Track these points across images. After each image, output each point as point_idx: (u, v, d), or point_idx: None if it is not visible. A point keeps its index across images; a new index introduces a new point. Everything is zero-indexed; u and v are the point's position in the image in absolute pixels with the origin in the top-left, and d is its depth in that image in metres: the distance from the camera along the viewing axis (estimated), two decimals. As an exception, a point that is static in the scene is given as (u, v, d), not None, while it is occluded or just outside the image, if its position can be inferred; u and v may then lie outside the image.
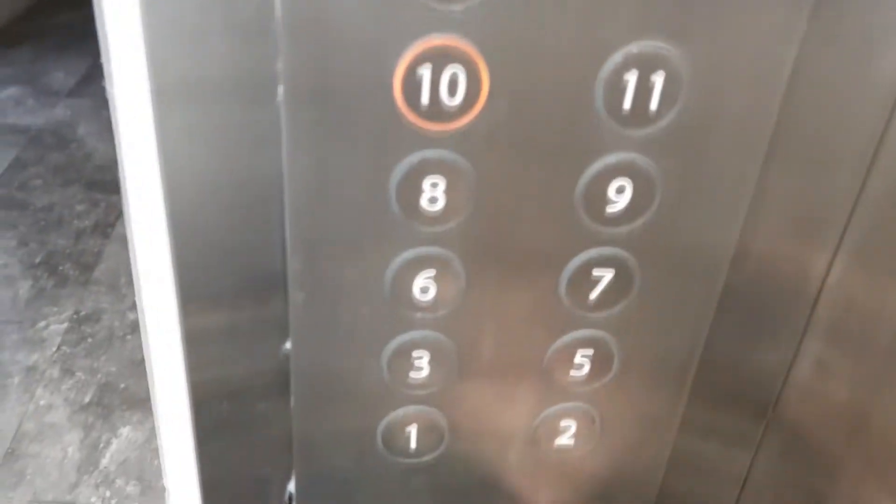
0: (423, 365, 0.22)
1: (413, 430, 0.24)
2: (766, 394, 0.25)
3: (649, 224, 0.21)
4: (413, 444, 0.24)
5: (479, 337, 0.22)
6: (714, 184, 0.20)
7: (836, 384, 0.24)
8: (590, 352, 0.23)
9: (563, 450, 0.25)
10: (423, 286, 0.21)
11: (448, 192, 0.19)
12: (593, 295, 0.22)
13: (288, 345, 0.22)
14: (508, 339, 0.22)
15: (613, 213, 0.20)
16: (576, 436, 0.25)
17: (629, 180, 0.20)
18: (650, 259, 0.22)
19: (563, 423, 0.24)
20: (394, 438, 0.24)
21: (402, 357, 0.22)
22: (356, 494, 0.25)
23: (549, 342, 0.23)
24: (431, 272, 0.21)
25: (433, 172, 0.19)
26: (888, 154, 0.20)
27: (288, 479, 0.24)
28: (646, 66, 0.18)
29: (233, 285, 0.20)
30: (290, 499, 0.25)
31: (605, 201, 0.20)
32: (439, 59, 0.17)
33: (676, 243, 0.21)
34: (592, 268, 0.21)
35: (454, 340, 0.22)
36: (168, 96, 0.18)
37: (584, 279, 0.21)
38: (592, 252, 0.21)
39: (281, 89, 0.18)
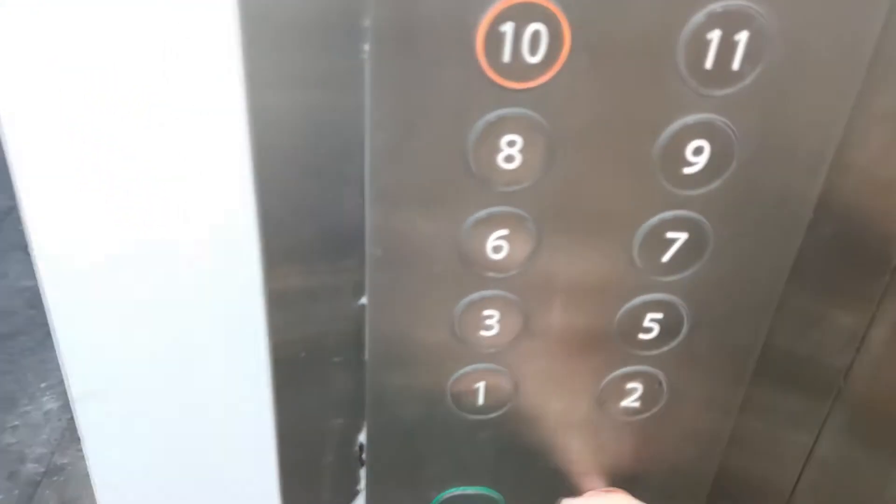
0: (493, 324, 0.23)
1: (481, 387, 0.24)
2: (837, 364, 0.25)
3: (725, 187, 0.21)
4: (480, 401, 0.24)
5: (549, 298, 0.23)
6: (793, 148, 0.20)
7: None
8: (659, 315, 0.23)
9: (628, 412, 0.25)
10: (496, 245, 0.21)
11: (525, 150, 0.20)
12: (665, 258, 0.22)
13: (363, 300, 0.22)
14: (578, 300, 0.23)
15: (690, 174, 0.20)
16: (641, 399, 0.25)
17: (707, 141, 0.20)
18: (724, 223, 0.21)
19: (630, 385, 0.24)
20: (462, 394, 0.24)
21: (473, 315, 0.23)
22: (423, 446, 0.25)
23: (619, 305, 0.23)
24: (504, 231, 0.21)
25: (511, 131, 0.19)
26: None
27: (359, 430, 0.25)
28: (729, 26, 0.18)
29: (313, 243, 0.21)
30: (361, 449, 0.26)
31: (683, 162, 0.20)
32: (522, 15, 0.18)
33: (752, 208, 0.21)
34: (666, 230, 0.21)
35: (525, 300, 0.22)
36: (257, 44, 0.18)
37: (657, 241, 0.21)
38: (667, 214, 0.21)
39: (367, 46, 0.18)
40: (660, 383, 0.24)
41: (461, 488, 0.27)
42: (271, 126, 0.19)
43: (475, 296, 0.22)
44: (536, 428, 0.25)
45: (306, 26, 0.18)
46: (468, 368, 0.24)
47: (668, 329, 0.23)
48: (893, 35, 0.19)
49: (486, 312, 0.23)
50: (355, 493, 0.27)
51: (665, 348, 0.24)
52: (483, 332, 0.23)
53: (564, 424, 0.25)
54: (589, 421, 0.25)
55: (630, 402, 0.25)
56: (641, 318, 0.23)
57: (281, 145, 0.20)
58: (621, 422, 0.25)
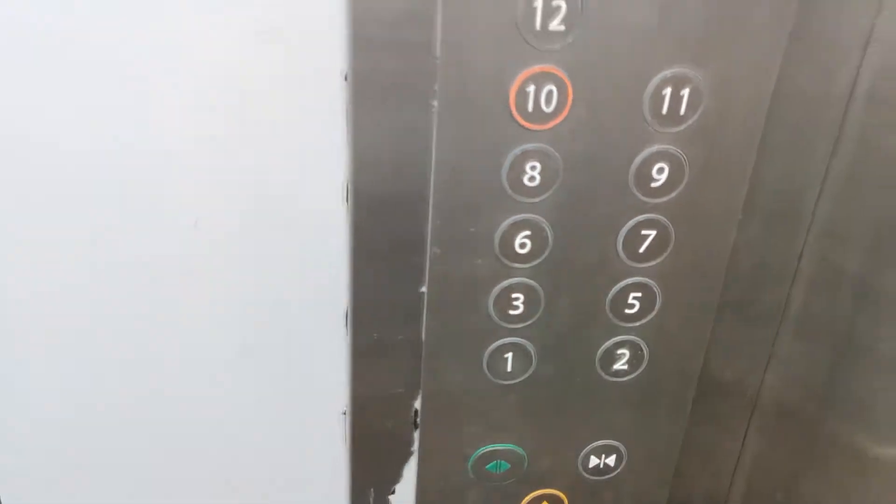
0: (519, 304, 0.31)
1: (510, 357, 0.32)
2: (754, 373, 0.33)
3: (680, 196, 0.29)
4: (509, 368, 0.32)
5: (560, 284, 0.31)
6: (725, 166, 0.29)
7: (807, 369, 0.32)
8: (639, 294, 0.31)
9: (619, 373, 0.33)
10: (521, 243, 0.29)
11: (542, 173, 0.28)
12: (641, 249, 0.30)
13: (424, 288, 0.30)
14: (579, 283, 0.31)
15: (656, 187, 0.29)
16: (628, 363, 0.33)
17: (666, 164, 0.29)
18: (681, 223, 0.30)
19: (620, 351, 0.32)
20: (495, 363, 0.32)
21: (504, 298, 0.31)
22: (464, 410, 0.33)
23: (609, 287, 0.31)
24: (528, 232, 0.29)
25: (532, 159, 0.28)
26: (846, 150, 0.29)
27: (415, 397, 0.33)
28: (677, 84, 0.27)
29: (390, 242, 0.29)
30: (416, 413, 0.33)
31: (650, 179, 0.29)
32: (540, 80, 0.26)
33: (700, 211, 0.30)
34: (641, 229, 0.30)
35: (542, 286, 0.31)
36: (361, 94, 0.27)
37: (635, 237, 0.30)
38: (641, 217, 0.30)
39: (435, 102, 0.27)
40: (641, 349, 0.33)
41: (493, 445, 0.34)
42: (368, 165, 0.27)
43: (505, 283, 0.30)
44: (552, 389, 0.33)
45: (400, 91, 0.26)
46: (500, 341, 0.32)
47: (646, 305, 0.31)
48: (781, 87, 0.28)
49: (514, 295, 0.31)
50: (410, 454, 0.34)
51: (644, 320, 0.32)
52: (511, 311, 0.31)
53: (572, 386, 0.33)
54: (590, 379, 0.33)
55: (620, 364, 0.33)
56: (626, 297, 0.31)
57: (375, 177, 0.28)
58: (613, 382, 0.33)
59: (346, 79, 0.27)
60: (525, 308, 0.31)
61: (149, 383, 0.33)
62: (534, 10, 0.25)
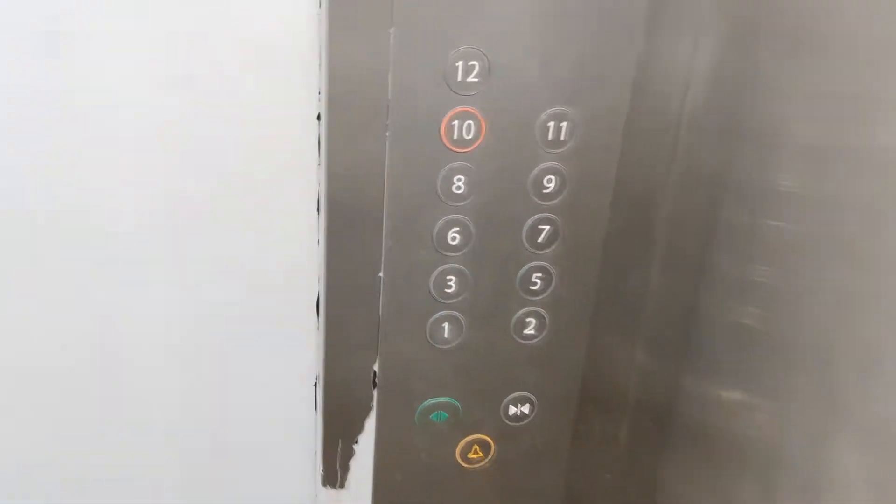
0: (452, 284, 0.41)
1: (446, 326, 0.42)
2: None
3: (564, 199, 0.40)
4: (446, 335, 0.42)
5: (482, 268, 0.41)
6: (595, 178, 0.40)
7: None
8: (540, 274, 0.42)
9: (527, 337, 0.43)
10: (452, 236, 0.40)
11: (466, 184, 0.39)
12: (539, 239, 0.41)
13: (381, 273, 0.40)
14: (495, 267, 0.41)
15: (547, 192, 0.40)
16: (535, 328, 0.43)
17: (554, 176, 0.39)
18: (567, 220, 0.41)
19: (528, 319, 0.43)
20: (435, 331, 0.42)
21: (440, 280, 0.41)
22: (412, 369, 0.43)
23: (518, 269, 0.42)
24: (457, 228, 0.40)
25: (459, 173, 0.38)
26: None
27: (374, 361, 0.42)
28: (558, 118, 0.38)
29: (353, 239, 0.39)
30: (374, 375, 0.42)
31: (543, 186, 0.40)
32: (463, 116, 0.37)
33: (579, 210, 0.41)
34: (538, 224, 0.41)
35: (469, 270, 0.41)
36: (332, 129, 0.36)
37: (534, 230, 0.41)
38: (538, 215, 0.40)
39: (388, 133, 0.37)
40: (544, 318, 0.43)
41: (435, 398, 0.44)
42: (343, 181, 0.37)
43: (441, 268, 0.40)
44: (479, 353, 0.43)
45: (361, 125, 0.36)
46: (438, 314, 0.41)
47: (545, 283, 0.42)
48: (630, 116, 0.39)
49: (448, 277, 0.41)
50: (370, 409, 0.43)
51: (545, 294, 0.42)
52: (447, 290, 0.41)
53: (493, 349, 0.43)
54: (507, 343, 0.43)
55: (529, 330, 0.43)
56: (531, 277, 0.42)
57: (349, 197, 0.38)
58: (525, 345, 0.44)
59: (318, 118, 0.37)
60: (457, 287, 0.41)
61: (125, 370, 0.41)
62: (456, 68, 0.36)
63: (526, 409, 0.46)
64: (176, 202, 0.38)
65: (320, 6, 0.35)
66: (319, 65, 0.36)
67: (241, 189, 0.38)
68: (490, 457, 0.47)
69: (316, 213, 0.39)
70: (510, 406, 0.45)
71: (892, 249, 0.36)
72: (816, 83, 0.36)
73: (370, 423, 0.44)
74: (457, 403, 0.44)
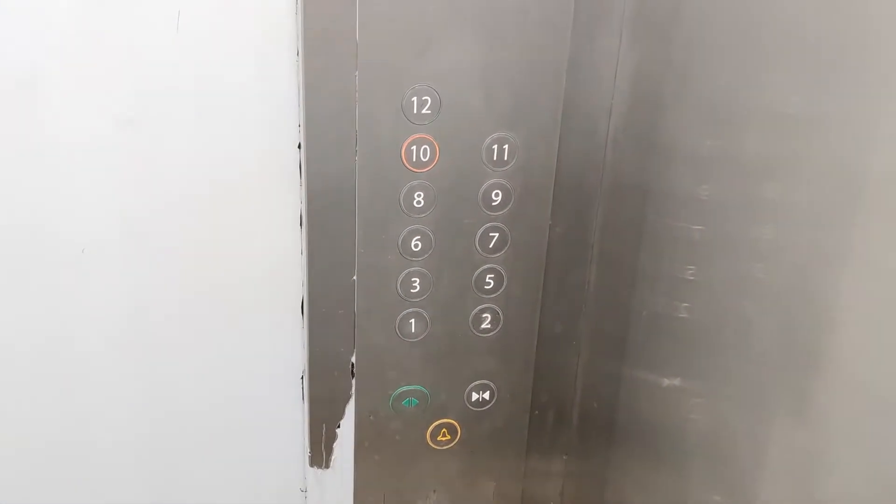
0: (417, 285, 0.48)
1: (413, 322, 0.49)
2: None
3: (510, 210, 0.47)
4: (413, 330, 0.49)
5: (442, 271, 0.48)
6: (535, 191, 0.47)
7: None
8: (493, 275, 0.49)
9: (485, 331, 0.50)
10: (415, 244, 0.47)
11: (425, 198, 0.46)
12: (490, 245, 0.48)
13: (355, 277, 0.47)
14: (453, 270, 0.48)
15: (495, 205, 0.47)
16: (490, 323, 0.50)
17: (500, 190, 0.47)
18: (514, 228, 0.48)
19: (484, 315, 0.50)
20: (403, 326, 0.49)
21: (406, 281, 0.47)
22: (385, 362, 0.49)
23: (473, 272, 0.48)
24: (418, 237, 0.47)
25: (418, 190, 0.45)
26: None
27: (352, 354, 0.49)
28: (501, 141, 0.45)
29: (331, 247, 0.46)
30: (352, 366, 0.49)
31: (491, 199, 0.47)
32: (420, 142, 0.44)
33: (524, 219, 0.48)
34: (489, 232, 0.48)
35: (431, 273, 0.48)
36: (311, 156, 0.44)
37: (485, 238, 0.48)
38: (488, 224, 0.47)
39: (357, 157, 0.44)
40: (498, 313, 0.50)
41: (406, 386, 0.51)
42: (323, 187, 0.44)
43: (405, 272, 0.47)
44: (442, 345, 0.50)
45: (334, 151, 0.44)
46: (405, 312, 0.48)
47: (497, 283, 0.49)
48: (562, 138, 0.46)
49: (413, 279, 0.48)
50: (349, 396, 0.50)
51: (498, 293, 0.49)
52: (412, 290, 0.48)
53: (454, 340, 0.50)
54: (467, 337, 0.50)
55: (485, 325, 0.50)
56: (485, 277, 0.49)
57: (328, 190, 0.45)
58: (483, 338, 0.50)
59: (299, 147, 0.44)
60: (420, 287, 0.48)
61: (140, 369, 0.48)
62: (412, 102, 0.43)
63: (487, 395, 0.52)
64: (174, 214, 0.45)
65: (298, 54, 0.42)
66: (298, 103, 0.43)
67: (233, 207, 0.45)
68: (457, 439, 0.53)
69: (299, 227, 0.46)
70: (473, 393, 0.52)
71: (799, 246, 0.43)
72: (720, 101, 0.43)
73: (350, 409, 0.50)
74: (425, 391, 0.51)
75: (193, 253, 0.46)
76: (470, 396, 0.52)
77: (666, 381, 0.51)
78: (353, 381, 0.50)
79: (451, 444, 0.53)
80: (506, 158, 0.46)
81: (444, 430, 0.53)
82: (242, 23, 0.42)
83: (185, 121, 0.43)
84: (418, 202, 0.46)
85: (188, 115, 0.43)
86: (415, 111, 0.44)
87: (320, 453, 0.51)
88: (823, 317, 0.43)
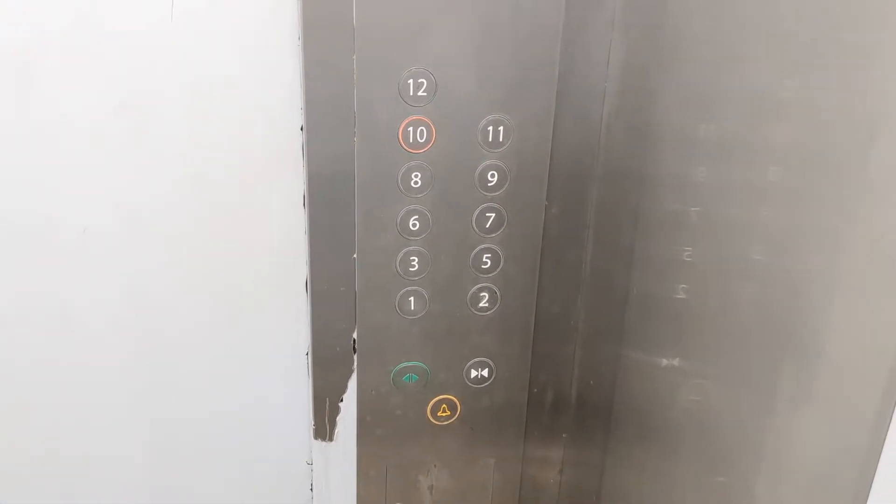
0: (415, 264, 0.49)
1: (412, 300, 0.50)
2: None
3: (506, 191, 0.49)
4: (412, 308, 0.50)
5: (439, 250, 0.49)
6: (530, 172, 0.49)
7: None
8: (489, 255, 0.50)
9: (483, 309, 0.51)
10: (413, 223, 0.48)
11: (422, 179, 0.47)
12: (487, 225, 0.49)
13: (355, 255, 0.48)
14: (451, 249, 0.50)
15: (491, 185, 0.48)
16: (488, 302, 0.51)
17: (496, 171, 0.48)
18: (510, 209, 0.49)
19: (482, 294, 0.51)
20: (403, 304, 0.50)
21: (405, 260, 0.49)
22: (385, 337, 0.51)
23: (470, 251, 0.50)
24: (416, 217, 0.48)
25: (415, 171, 0.47)
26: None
27: (353, 330, 0.50)
28: (497, 123, 0.47)
29: (332, 228, 0.47)
30: (354, 342, 0.51)
31: (487, 180, 0.48)
32: (416, 124, 0.46)
33: (520, 200, 0.49)
34: (486, 212, 0.49)
35: (429, 251, 0.49)
36: (312, 138, 0.45)
37: (482, 218, 0.49)
38: (484, 205, 0.49)
39: (356, 139, 0.45)
40: (496, 292, 0.51)
41: (406, 362, 0.52)
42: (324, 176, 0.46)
43: (405, 250, 0.49)
44: (440, 325, 0.51)
45: (334, 134, 0.45)
46: (404, 290, 0.50)
47: (494, 262, 0.50)
48: (557, 121, 0.48)
49: (411, 258, 0.49)
50: (351, 371, 0.52)
51: (495, 273, 0.51)
52: (411, 269, 0.49)
53: (451, 317, 0.51)
54: (465, 315, 0.51)
55: (483, 304, 0.51)
56: (482, 257, 0.50)
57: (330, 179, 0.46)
58: (481, 316, 0.52)
59: (301, 129, 0.46)
60: (419, 266, 0.50)
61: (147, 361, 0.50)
62: (408, 85, 0.45)
63: (486, 372, 0.54)
64: (179, 196, 0.47)
65: (299, 38, 0.44)
66: (301, 86, 0.45)
67: (239, 188, 0.47)
68: (457, 415, 0.55)
69: (303, 207, 0.48)
70: (472, 370, 0.54)
71: (796, 228, 0.44)
72: (715, 86, 0.44)
73: (352, 384, 0.52)
74: (425, 367, 0.53)
75: (200, 234, 0.48)
76: (469, 373, 0.54)
77: (664, 362, 0.52)
78: (355, 357, 0.51)
79: (452, 420, 0.55)
80: (501, 140, 0.47)
81: (444, 405, 0.54)
82: (245, 8, 0.43)
83: (189, 104, 0.45)
84: (416, 182, 0.47)
85: (192, 99, 0.45)
86: (411, 93, 0.45)
87: (324, 426, 0.53)
88: (821, 298, 0.44)
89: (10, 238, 0.46)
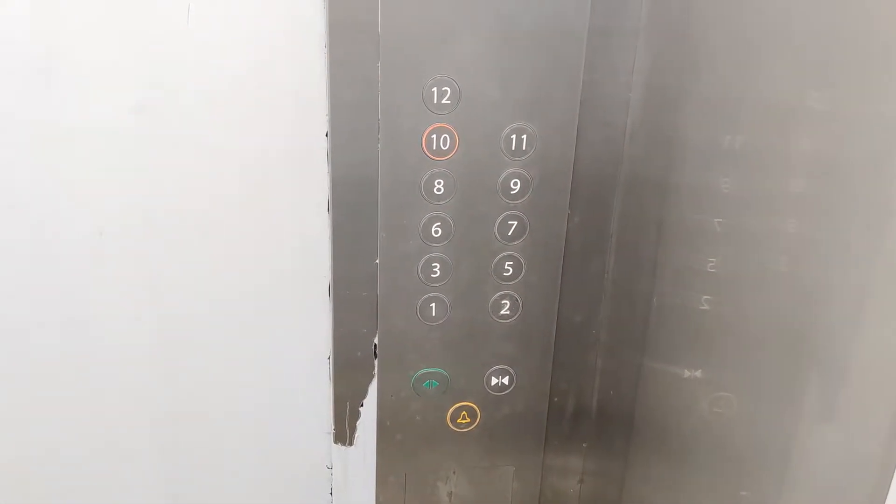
0: (437, 270, 0.49)
1: (433, 306, 0.50)
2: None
3: (529, 199, 0.49)
4: (434, 314, 0.51)
5: (461, 257, 0.49)
6: (552, 180, 0.49)
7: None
8: (511, 263, 0.50)
9: (504, 317, 0.52)
10: (435, 230, 0.48)
11: (444, 186, 0.47)
12: (509, 233, 0.49)
13: (377, 260, 0.49)
14: (473, 256, 0.50)
15: (513, 194, 0.48)
16: (510, 310, 0.51)
17: (518, 179, 0.48)
18: (532, 217, 0.49)
19: (503, 301, 0.51)
20: (424, 310, 0.50)
21: (427, 267, 0.49)
22: (407, 345, 0.51)
23: (492, 258, 0.50)
24: (439, 223, 0.48)
25: (438, 178, 0.47)
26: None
27: (374, 335, 0.51)
28: (519, 131, 0.47)
29: (355, 232, 0.48)
30: (375, 347, 0.51)
31: (510, 188, 0.48)
32: (440, 131, 0.46)
33: (542, 208, 0.49)
34: (507, 220, 0.49)
35: (451, 258, 0.49)
36: (336, 144, 0.46)
37: (504, 226, 0.49)
38: (506, 212, 0.49)
39: (379, 145, 0.46)
40: (517, 300, 0.51)
41: (427, 368, 0.52)
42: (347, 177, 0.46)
43: (427, 256, 0.49)
44: (463, 330, 0.51)
45: (358, 140, 0.46)
46: (425, 296, 0.50)
47: (516, 271, 0.50)
48: (581, 131, 0.48)
49: (433, 265, 0.49)
50: (372, 376, 0.52)
51: (516, 280, 0.51)
52: (432, 276, 0.49)
53: (476, 327, 0.51)
54: (486, 322, 0.51)
55: (504, 311, 0.51)
56: (503, 265, 0.50)
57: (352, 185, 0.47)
58: (502, 323, 0.52)
59: (326, 135, 0.47)
60: (441, 272, 0.50)
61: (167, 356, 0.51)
62: (432, 92, 0.45)
63: (506, 380, 0.54)
64: (204, 200, 0.48)
65: (325, 46, 0.45)
66: (326, 92, 0.46)
67: (265, 192, 0.48)
68: (477, 422, 0.55)
69: (327, 212, 0.49)
70: (492, 377, 0.54)
71: (829, 241, 0.43)
72: (739, 95, 0.44)
73: (373, 389, 0.52)
74: (446, 374, 0.53)
75: (222, 237, 0.49)
76: (489, 381, 0.54)
77: (686, 373, 0.52)
78: (376, 362, 0.52)
79: (471, 427, 0.55)
80: (524, 148, 0.47)
81: (463, 412, 0.54)
82: (272, 13, 0.44)
83: (213, 108, 0.45)
84: (438, 190, 0.48)
85: (215, 103, 0.45)
86: (435, 101, 0.45)
87: (344, 430, 0.53)
88: (844, 311, 0.43)
89: (28, 238, 0.47)
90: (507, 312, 0.52)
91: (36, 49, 0.43)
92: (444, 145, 0.47)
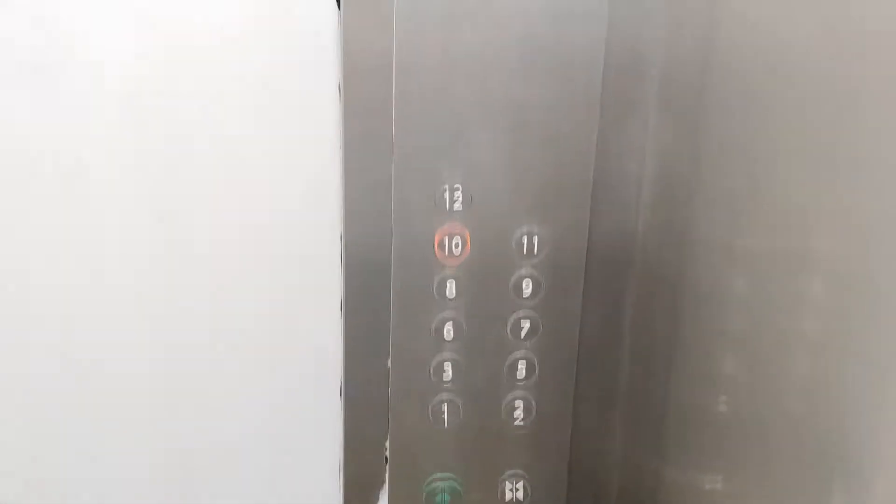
0: (449, 371, 0.49)
1: (445, 408, 0.50)
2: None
3: (541, 300, 0.49)
4: (445, 416, 0.50)
5: (472, 359, 0.49)
6: (564, 279, 0.49)
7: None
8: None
9: (517, 420, 0.51)
10: (447, 329, 0.48)
11: (456, 288, 0.48)
12: (522, 334, 0.49)
13: (389, 362, 0.48)
14: (484, 356, 0.49)
15: (526, 296, 0.48)
16: (523, 412, 0.51)
17: (530, 280, 0.48)
18: (545, 317, 0.49)
19: (516, 402, 0.50)
20: (436, 413, 0.50)
21: (439, 367, 0.49)
22: (418, 449, 0.50)
23: (504, 358, 0.50)
24: (451, 324, 0.48)
25: (450, 279, 0.47)
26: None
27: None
28: (531, 233, 0.47)
29: (369, 329, 0.48)
30: (386, 451, 0.50)
31: (521, 290, 0.48)
32: (452, 232, 0.47)
33: (554, 306, 0.49)
34: (520, 320, 0.49)
35: (463, 360, 0.49)
36: (353, 246, 0.46)
37: (517, 326, 0.49)
38: (520, 312, 0.49)
39: (392, 247, 0.46)
40: (531, 402, 0.50)
41: (438, 474, 0.51)
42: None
43: (439, 357, 0.49)
44: (475, 433, 0.50)
45: (371, 243, 0.46)
46: (438, 398, 0.49)
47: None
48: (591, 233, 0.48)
49: (445, 366, 0.49)
50: (383, 482, 0.51)
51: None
52: (444, 379, 0.49)
53: (488, 429, 0.51)
54: (500, 425, 0.50)
55: (518, 413, 0.51)
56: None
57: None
58: (515, 428, 0.51)
59: (340, 237, 0.47)
60: (453, 374, 0.49)
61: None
62: (444, 198, 0.46)
63: (520, 489, 0.52)
64: (216, 289, 0.48)
65: (341, 148, 0.46)
66: (341, 199, 0.47)
67: (277, 292, 0.49)
68: (493, 536, 0.53)
69: (339, 310, 0.49)
70: (507, 486, 0.52)
71: (843, 346, 0.43)
72: (753, 195, 0.44)
73: (384, 496, 0.51)
74: (458, 486, 0.51)
75: (235, 343, 0.49)
76: (504, 492, 0.52)
77: (706, 482, 0.50)
78: (387, 468, 0.51)
79: (487, 542, 0.53)
80: (535, 251, 0.48)
81: (478, 525, 0.53)
82: (292, 127, 0.46)
83: (228, 222, 0.47)
84: (451, 291, 0.48)
85: (231, 219, 0.47)
86: (447, 206, 0.46)
87: (354, 541, 0.52)
88: (870, 421, 0.42)
89: (35, 245, 0.47)
90: (521, 415, 0.51)
91: (40, 57, 0.43)
92: (456, 248, 0.47)
